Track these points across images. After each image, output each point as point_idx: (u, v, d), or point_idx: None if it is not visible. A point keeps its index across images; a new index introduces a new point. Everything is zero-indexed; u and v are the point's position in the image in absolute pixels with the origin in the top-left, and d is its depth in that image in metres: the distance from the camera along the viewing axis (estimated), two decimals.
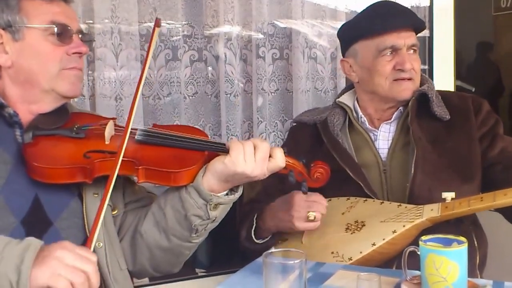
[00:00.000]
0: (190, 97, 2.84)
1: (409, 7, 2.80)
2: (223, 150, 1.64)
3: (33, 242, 1.41)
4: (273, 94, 2.96)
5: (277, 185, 2.10)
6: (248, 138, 2.90)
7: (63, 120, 1.74)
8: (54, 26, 1.67)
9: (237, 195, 1.70)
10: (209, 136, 2.83)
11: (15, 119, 1.68)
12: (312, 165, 1.79)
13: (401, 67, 2.08)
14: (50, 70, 1.68)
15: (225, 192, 1.67)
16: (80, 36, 1.75)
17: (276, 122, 2.98)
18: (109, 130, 1.70)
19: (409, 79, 2.11)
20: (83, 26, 2.55)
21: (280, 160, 1.66)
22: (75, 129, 1.70)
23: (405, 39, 2.09)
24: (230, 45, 2.84)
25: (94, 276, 1.40)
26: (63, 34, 1.69)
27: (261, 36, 2.90)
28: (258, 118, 2.91)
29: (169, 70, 2.79)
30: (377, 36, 2.11)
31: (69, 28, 1.70)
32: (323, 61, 3.03)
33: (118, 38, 2.65)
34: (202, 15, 2.86)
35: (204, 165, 1.66)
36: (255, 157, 1.61)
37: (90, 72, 2.63)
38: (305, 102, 2.94)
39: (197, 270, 2.85)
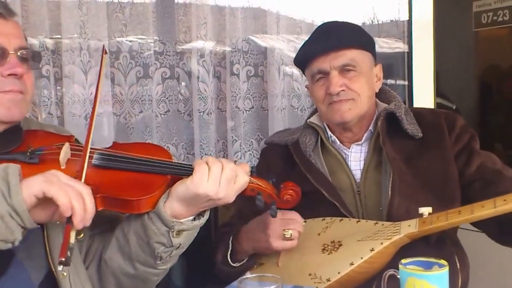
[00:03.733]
0: (162, 115, 2.78)
1: (389, 22, 2.77)
2: (188, 173, 1.56)
3: (11, 165, 1.36)
4: (248, 112, 2.90)
5: (250, 207, 2.03)
6: (223, 157, 2.85)
7: (16, 142, 1.62)
8: None
9: (202, 220, 1.63)
10: (182, 156, 2.80)
11: None
12: (282, 186, 1.73)
13: (328, 91, 2.05)
14: None
15: (190, 218, 1.60)
16: (20, 53, 1.62)
17: (251, 141, 2.93)
18: (64, 154, 1.58)
19: (347, 100, 2.06)
20: (50, 42, 2.49)
21: (242, 178, 1.59)
22: (28, 153, 1.58)
23: (331, 61, 2.04)
24: (203, 62, 2.78)
25: (89, 199, 1.34)
26: None
27: (235, 53, 2.85)
28: (232, 137, 2.86)
29: (141, 87, 2.72)
30: (310, 63, 2.11)
31: (3, 48, 1.59)
32: (299, 78, 2.99)
33: (87, 55, 2.56)
34: (174, 31, 2.81)
35: (167, 190, 1.59)
36: (221, 178, 1.54)
37: (58, 88, 2.55)
38: (281, 120, 2.90)
39: None
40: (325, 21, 2.91)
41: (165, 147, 2.75)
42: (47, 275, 1.57)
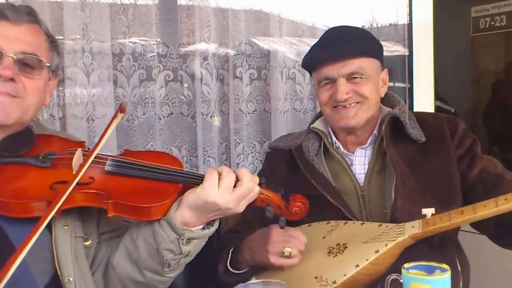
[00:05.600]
0: (165, 118, 2.76)
1: (388, 25, 2.77)
2: (199, 182, 1.57)
3: None
4: (251, 115, 2.90)
5: (256, 215, 2.03)
6: (226, 160, 2.86)
7: (28, 145, 1.63)
8: None
9: (212, 229, 1.64)
10: (185, 158, 2.79)
11: None
12: (290, 198, 1.75)
13: (334, 98, 2.07)
14: None
15: (200, 227, 1.61)
16: (16, 57, 1.60)
17: (254, 144, 2.93)
18: (76, 159, 1.60)
19: (353, 103, 2.07)
20: None
21: (254, 191, 1.62)
22: (41, 157, 1.59)
23: (339, 69, 2.05)
24: (206, 65, 2.77)
25: None
26: None
27: (238, 56, 2.85)
28: (235, 140, 2.85)
29: (144, 90, 2.70)
30: (318, 68, 2.12)
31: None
32: (302, 81, 2.99)
33: (90, 57, 2.55)
34: (177, 33, 2.79)
35: (178, 198, 1.60)
36: (235, 191, 1.57)
37: (60, 89, 2.51)
38: (283, 123, 2.90)
39: None
40: (326, 23, 2.96)
41: (168, 150, 2.76)
42: (53, 278, 1.56)
